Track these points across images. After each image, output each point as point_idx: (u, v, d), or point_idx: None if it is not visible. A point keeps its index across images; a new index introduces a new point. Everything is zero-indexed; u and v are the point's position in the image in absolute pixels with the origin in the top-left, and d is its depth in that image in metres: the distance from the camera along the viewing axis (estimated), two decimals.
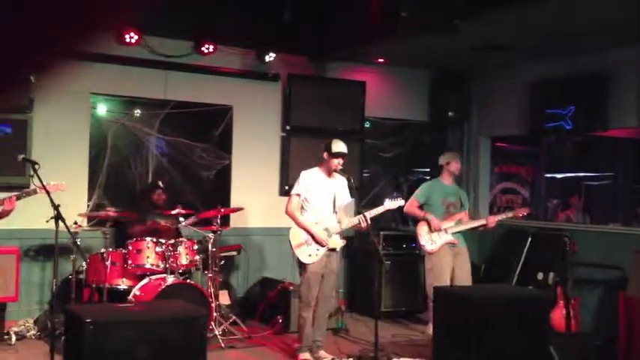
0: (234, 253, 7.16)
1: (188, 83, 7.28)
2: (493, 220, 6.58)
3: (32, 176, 4.85)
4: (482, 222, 6.64)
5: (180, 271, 6.12)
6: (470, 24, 5.85)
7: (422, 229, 6.60)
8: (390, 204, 5.69)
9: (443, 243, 6.49)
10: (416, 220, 6.80)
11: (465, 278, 6.50)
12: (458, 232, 6.58)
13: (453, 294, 5.42)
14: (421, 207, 6.69)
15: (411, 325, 7.20)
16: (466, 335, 4.84)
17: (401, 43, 7.01)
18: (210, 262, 6.29)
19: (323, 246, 5.49)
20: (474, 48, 7.07)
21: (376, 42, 6.95)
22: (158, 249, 6.06)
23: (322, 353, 5.58)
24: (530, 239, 7.50)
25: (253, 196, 7.57)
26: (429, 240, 6.53)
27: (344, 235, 5.77)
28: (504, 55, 7.39)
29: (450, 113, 8.44)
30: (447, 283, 6.40)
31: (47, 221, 4.85)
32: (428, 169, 9.21)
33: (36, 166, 4.80)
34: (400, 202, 5.76)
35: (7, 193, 5.86)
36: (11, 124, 6.35)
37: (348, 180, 5.63)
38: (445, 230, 6.51)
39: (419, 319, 7.39)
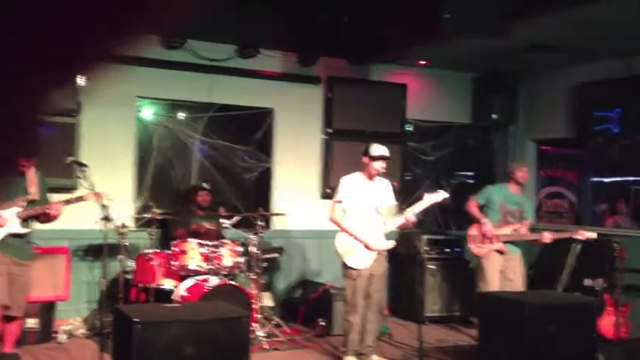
0: (276, 255, 7.19)
1: (231, 86, 7.36)
2: (548, 238, 6.37)
3: (80, 178, 4.93)
4: (537, 236, 6.42)
5: (224, 272, 6.18)
6: (517, 25, 5.77)
7: (473, 232, 6.51)
8: (430, 197, 5.56)
9: (491, 249, 6.39)
10: (467, 222, 6.69)
11: (517, 283, 6.33)
12: (509, 241, 6.44)
13: (499, 300, 5.35)
14: (481, 208, 6.58)
15: (459, 330, 7.11)
16: (512, 341, 4.77)
17: (444, 45, 6.95)
18: (252, 264, 6.33)
19: (371, 249, 5.46)
20: (520, 49, 6.96)
21: (418, 45, 6.91)
22: (202, 250, 6.12)
23: (375, 358, 5.54)
24: (578, 245, 7.32)
25: (294, 199, 7.60)
26: (478, 243, 6.44)
27: (390, 237, 5.74)
28: (552, 56, 7.26)
29: (493, 115, 8.33)
30: (497, 287, 6.29)
31: (96, 222, 4.95)
32: (471, 173, 9.11)
33: (84, 169, 4.88)
34: (443, 194, 5.62)
35: (55, 194, 6.02)
36: (58, 127, 6.49)
37: (390, 183, 5.58)
38: (497, 237, 6.38)
39: (468, 323, 7.27)
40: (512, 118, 8.51)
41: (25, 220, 4.92)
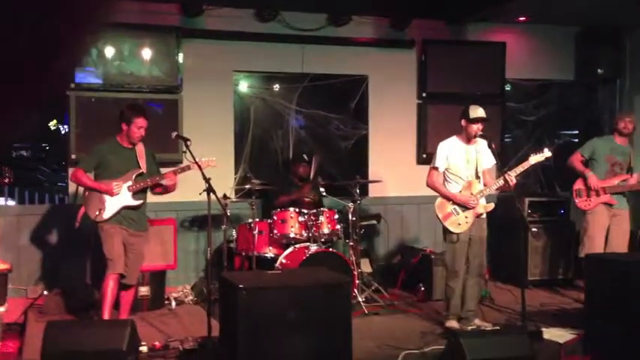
0: (374, 222, 7.22)
1: (324, 56, 7.37)
2: None
3: (185, 152, 5.12)
4: None
5: (323, 239, 6.28)
6: None
7: (578, 186, 6.31)
8: (535, 158, 5.39)
9: (599, 202, 6.18)
10: (572, 180, 6.48)
11: (620, 241, 6.13)
12: (619, 192, 6.21)
13: (607, 260, 5.14)
14: (586, 163, 6.36)
15: (563, 293, 6.91)
16: (621, 303, 4.58)
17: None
18: (350, 231, 6.40)
19: (471, 208, 5.37)
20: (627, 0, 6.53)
21: None
22: (301, 219, 6.25)
23: (477, 321, 5.51)
24: None
25: (391, 165, 7.57)
26: (584, 197, 6.24)
27: (490, 200, 5.63)
28: None
29: (599, 71, 7.90)
30: (601, 243, 6.10)
31: (200, 194, 5.14)
32: (576, 132, 8.72)
33: (188, 143, 5.06)
34: (547, 153, 5.42)
35: (163, 169, 6.31)
36: (163, 104, 6.79)
37: (489, 145, 5.45)
38: (603, 189, 6.17)
39: (572, 287, 7.06)
40: (620, 73, 8.05)
41: (137, 193, 5.19)
